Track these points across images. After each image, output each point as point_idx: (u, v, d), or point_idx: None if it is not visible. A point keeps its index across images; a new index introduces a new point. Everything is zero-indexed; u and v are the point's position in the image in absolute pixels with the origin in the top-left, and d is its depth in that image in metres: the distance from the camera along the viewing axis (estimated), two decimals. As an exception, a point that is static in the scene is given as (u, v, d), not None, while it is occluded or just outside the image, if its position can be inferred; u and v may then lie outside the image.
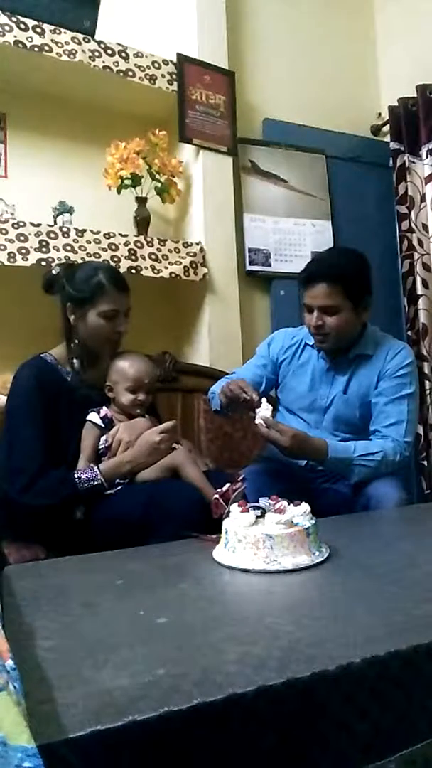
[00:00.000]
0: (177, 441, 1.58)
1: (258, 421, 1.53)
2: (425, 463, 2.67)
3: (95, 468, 1.45)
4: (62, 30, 2.07)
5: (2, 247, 1.91)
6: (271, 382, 1.87)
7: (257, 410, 1.54)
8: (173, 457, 1.51)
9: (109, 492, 1.45)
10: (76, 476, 1.43)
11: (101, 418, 1.54)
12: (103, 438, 1.53)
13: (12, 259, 1.92)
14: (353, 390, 1.72)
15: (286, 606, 0.94)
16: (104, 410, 1.55)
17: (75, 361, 1.56)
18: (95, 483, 1.43)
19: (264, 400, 1.54)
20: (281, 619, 0.84)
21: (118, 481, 1.48)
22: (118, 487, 1.47)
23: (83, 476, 1.43)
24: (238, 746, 0.64)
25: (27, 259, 1.94)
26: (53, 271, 1.59)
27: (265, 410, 1.54)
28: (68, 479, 1.43)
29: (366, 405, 1.71)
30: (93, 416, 1.53)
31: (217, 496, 1.23)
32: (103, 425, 1.53)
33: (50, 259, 1.96)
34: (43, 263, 1.94)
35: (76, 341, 1.56)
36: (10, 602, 0.97)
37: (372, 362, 1.71)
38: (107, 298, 1.53)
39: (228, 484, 1.17)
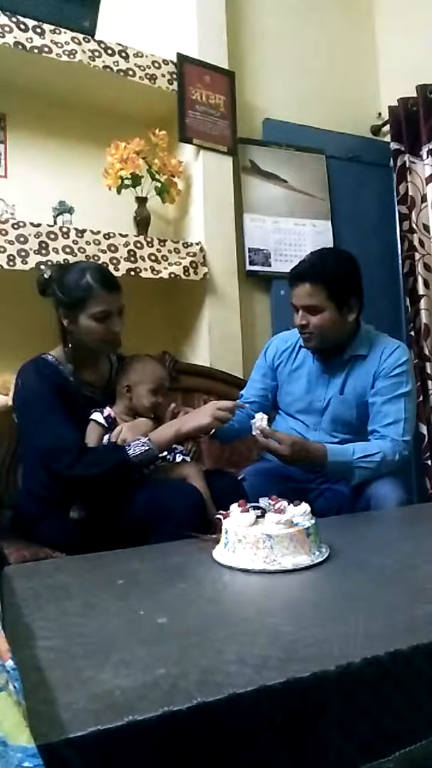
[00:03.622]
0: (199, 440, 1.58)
1: (255, 432, 1.54)
2: (429, 462, 2.66)
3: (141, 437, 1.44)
4: (62, 30, 2.07)
5: (2, 249, 1.91)
6: (275, 389, 1.88)
7: (252, 421, 1.55)
8: (183, 469, 1.51)
9: (144, 471, 1.44)
10: (125, 444, 1.43)
11: (104, 418, 1.54)
12: (106, 437, 1.53)
13: (11, 263, 1.93)
14: (349, 390, 1.72)
15: (286, 606, 0.94)
16: (107, 410, 1.55)
17: (71, 365, 1.55)
18: (145, 448, 1.41)
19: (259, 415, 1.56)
20: (281, 619, 0.84)
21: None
22: (152, 466, 1.46)
23: (132, 444, 1.42)
24: (238, 746, 0.64)
25: (26, 263, 1.95)
26: (44, 275, 1.58)
27: (260, 420, 1.54)
28: (117, 447, 1.43)
29: (363, 405, 1.71)
30: (96, 416, 1.53)
31: (219, 517, 1.23)
32: (106, 425, 1.53)
33: (49, 263, 1.96)
34: (42, 267, 1.94)
35: (73, 344, 1.55)
36: (10, 602, 0.97)
37: (367, 362, 1.71)
38: (97, 300, 1.50)
39: (234, 505, 1.17)
